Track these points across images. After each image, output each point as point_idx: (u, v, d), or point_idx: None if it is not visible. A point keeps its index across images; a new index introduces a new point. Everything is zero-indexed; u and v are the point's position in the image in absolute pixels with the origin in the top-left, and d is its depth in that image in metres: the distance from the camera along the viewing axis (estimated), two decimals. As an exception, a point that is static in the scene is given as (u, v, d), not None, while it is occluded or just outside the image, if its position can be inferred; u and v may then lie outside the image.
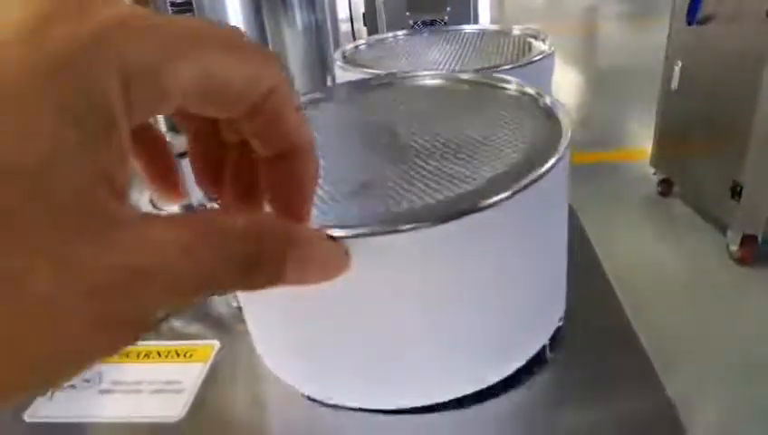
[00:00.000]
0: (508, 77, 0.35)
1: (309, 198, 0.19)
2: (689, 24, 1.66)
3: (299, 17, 0.59)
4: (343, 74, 0.46)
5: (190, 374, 0.32)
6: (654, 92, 1.95)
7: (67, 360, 0.12)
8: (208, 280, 0.14)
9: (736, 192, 1.59)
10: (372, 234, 0.23)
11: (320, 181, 0.28)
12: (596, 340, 0.33)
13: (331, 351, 0.27)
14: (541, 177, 0.25)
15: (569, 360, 0.32)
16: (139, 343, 0.35)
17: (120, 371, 0.33)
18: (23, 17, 0.12)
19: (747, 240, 1.61)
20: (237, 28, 0.17)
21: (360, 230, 0.23)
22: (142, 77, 0.14)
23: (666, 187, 1.98)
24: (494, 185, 0.25)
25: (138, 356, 0.34)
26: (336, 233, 0.23)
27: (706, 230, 1.79)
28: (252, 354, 0.33)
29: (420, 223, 0.23)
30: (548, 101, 0.32)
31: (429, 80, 0.37)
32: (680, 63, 1.79)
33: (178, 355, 0.33)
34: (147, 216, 0.14)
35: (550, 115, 0.31)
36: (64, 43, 0.12)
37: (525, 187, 0.24)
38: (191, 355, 0.33)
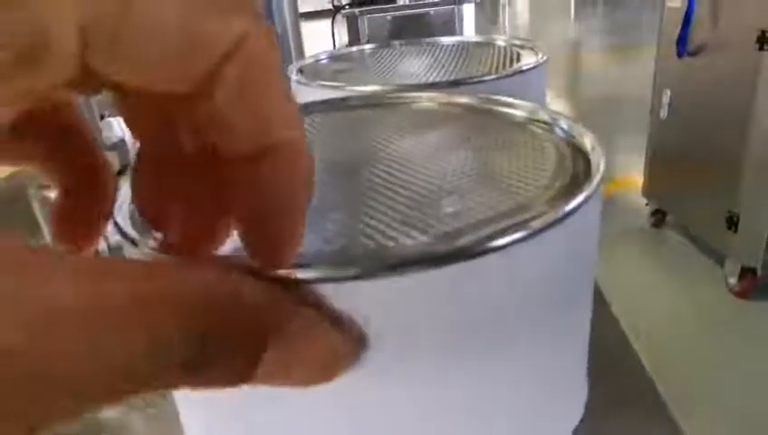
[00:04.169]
0: (515, 100, 0.28)
1: (297, 225, 0.13)
2: (680, 55, 1.63)
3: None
4: (298, 89, 0.38)
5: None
6: (643, 122, 1.92)
7: None
8: (133, 376, 0.09)
9: (733, 223, 1.54)
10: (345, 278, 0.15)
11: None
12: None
13: None
14: (568, 215, 0.18)
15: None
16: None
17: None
18: None
19: (746, 273, 1.55)
20: None
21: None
22: None
23: (658, 218, 1.93)
24: (506, 221, 0.18)
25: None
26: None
27: (703, 262, 1.73)
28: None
29: (416, 265, 0.15)
30: (565, 125, 0.25)
31: (416, 101, 0.30)
32: (669, 92, 1.76)
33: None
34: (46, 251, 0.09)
35: (570, 144, 0.24)
36: None
37: (553, 224, 0.17)
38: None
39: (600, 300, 0.36)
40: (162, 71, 0.11)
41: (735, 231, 1.54)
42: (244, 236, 0.13)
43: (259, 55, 0.11)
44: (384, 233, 0.18)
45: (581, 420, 0.24)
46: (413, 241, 0.17)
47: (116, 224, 0.19)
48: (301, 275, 0.15)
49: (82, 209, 0.14)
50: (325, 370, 0.14)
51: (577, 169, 0.21)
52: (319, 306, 0.14)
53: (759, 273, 1.53)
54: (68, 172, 0.14)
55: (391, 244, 0.17)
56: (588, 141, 0.23)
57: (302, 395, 0.17)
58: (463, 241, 0.17)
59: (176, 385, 0.10)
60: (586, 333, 0.23)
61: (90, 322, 0.09)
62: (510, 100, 0.28)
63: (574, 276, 0.20)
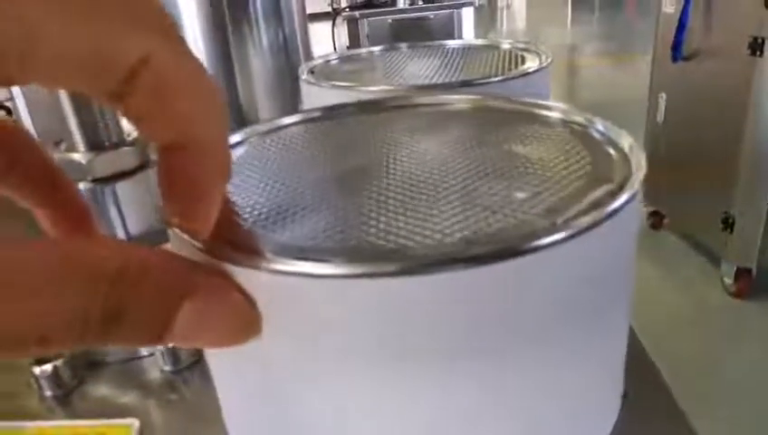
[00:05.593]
0: (548, 102, 0.28)
1: (207, 204, 0.15)
2: (674, 60, 1.65)
3: (265, 34, 0.53)
4: (309, 90, 0.40)
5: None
6: (639, 125, 1.94)
7: None
8: (47, 332, 0.11)
9: (728, 224, 1.55)
10: (383, 274, 0.15)
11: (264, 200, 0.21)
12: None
13: None
14: (612, 214, 0.18)
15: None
16: (26, 423, 0.27)
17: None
18: None
19: (742, 273, 1.57)
20: None
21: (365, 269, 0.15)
22: None
23: (656, 219, 1.95)
24: (553, 218, 0.18)
25: (30, 440, 0.26)
26: (329, 270, 0.16)
27: (700, 263, 1.74)
28: (183, 433, 0.26)
29: (464, 262, 0.16)
30: (601, 126, 0.25)
31: (446, 103, 0.30)
32: (665, 96, 1.78)
33: (83, 439, 0.26)
34: None
35: (608, 145, 0.24)
36: None
37: (597, 223, 0.17)
38: (101, 438, 0.26)
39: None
40: (72, 84, 0.13)
41: (731, 232, 1.55)
42: (167, 206, 0.15)
43: (164, 70, 0.13)
44: (415, 233, 0.18)
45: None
46: (447, 240, 0.17)
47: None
48: (331, 271, 0.16)
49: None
50: (232, 333, 0.15)
51: (614, 170, 0.21)
52: (225, 278, 0.16)
53: (754, 273, 1.55)
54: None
55: (420, 243, 0.17)
56: (625, 141, 0.23)
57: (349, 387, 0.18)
58: (505, 240, 0.17)
59: (96, 342, 0.12)
60: (625, 334, 0.23)
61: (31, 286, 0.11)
62: (542, 102, 0.28)
63: (617, 275, 0.20)
